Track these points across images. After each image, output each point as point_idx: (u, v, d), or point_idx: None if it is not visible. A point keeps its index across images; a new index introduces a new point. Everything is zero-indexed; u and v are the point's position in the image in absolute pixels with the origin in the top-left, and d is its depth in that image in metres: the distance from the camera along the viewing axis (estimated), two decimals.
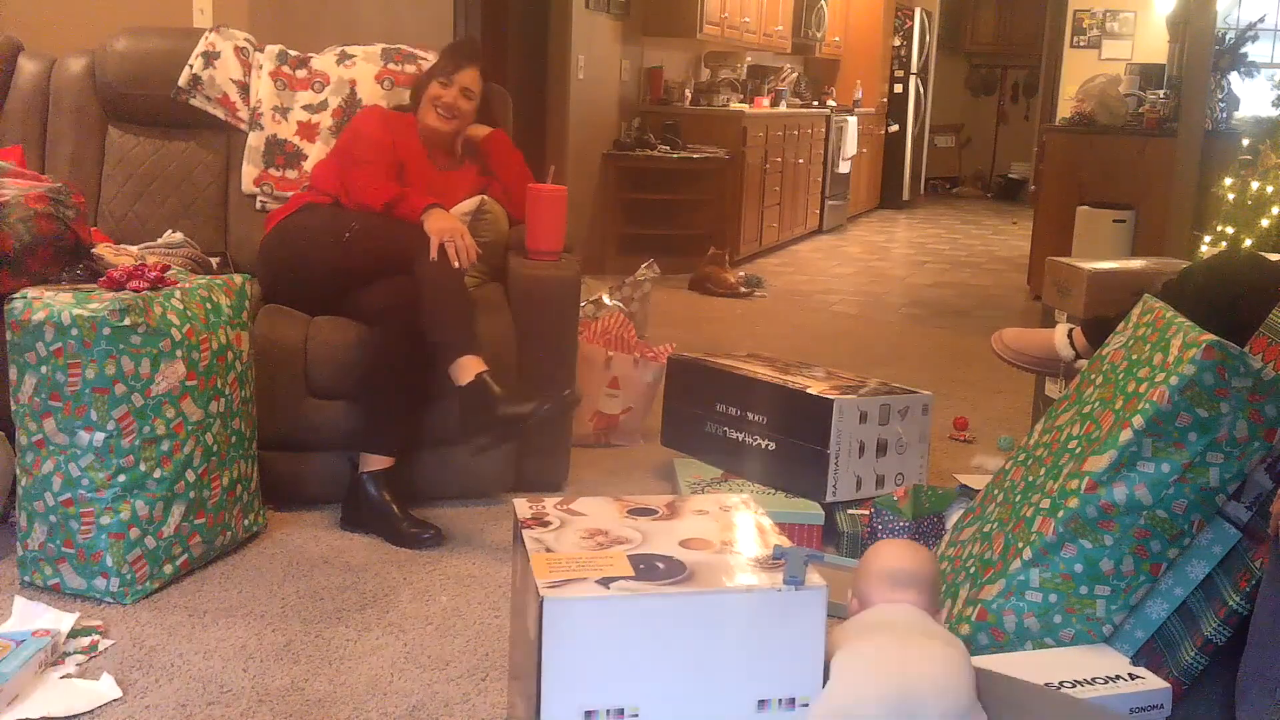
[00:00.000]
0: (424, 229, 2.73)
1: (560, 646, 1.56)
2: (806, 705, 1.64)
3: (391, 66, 3.32)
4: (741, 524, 1.83)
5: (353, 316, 2.78)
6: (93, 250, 2.64)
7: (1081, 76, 7.44)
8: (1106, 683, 1.86)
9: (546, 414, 2.58)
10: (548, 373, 2.89)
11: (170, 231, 3.04)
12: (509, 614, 2.18)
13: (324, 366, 2.74)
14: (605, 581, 1.59)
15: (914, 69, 11.60)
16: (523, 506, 1.85)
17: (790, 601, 1.61)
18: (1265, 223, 4.04)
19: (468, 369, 2.61)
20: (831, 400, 2.71)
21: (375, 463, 2.67)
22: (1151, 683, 1.87)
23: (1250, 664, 1.74)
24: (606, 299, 3.98)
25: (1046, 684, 1.84)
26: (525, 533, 1.75)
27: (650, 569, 1.64)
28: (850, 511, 2.75)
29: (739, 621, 1.60)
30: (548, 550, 1.69)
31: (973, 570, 2.17)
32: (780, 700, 1.63)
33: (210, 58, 3.24)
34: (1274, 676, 1.66)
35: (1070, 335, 2.92)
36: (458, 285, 2.71)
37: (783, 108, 8.46)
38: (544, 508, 1.85)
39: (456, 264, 2.69)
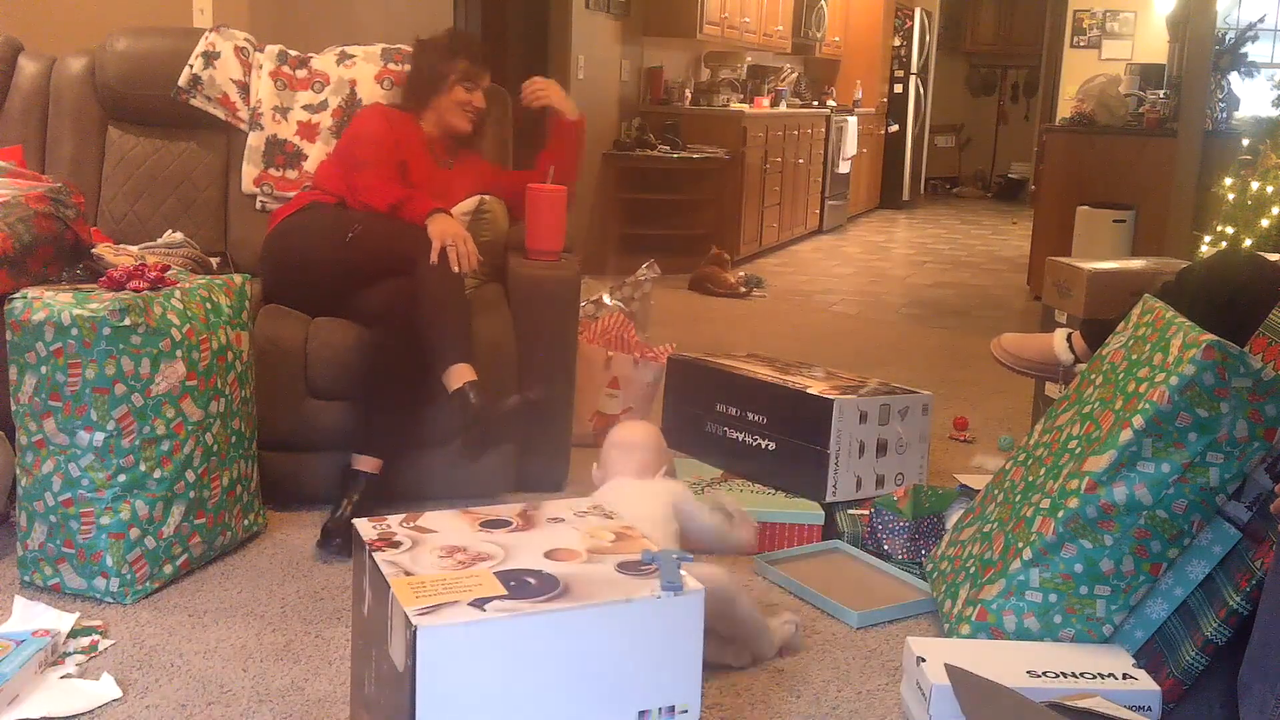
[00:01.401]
0: (427, 232, 2.73)
1: (436, 677, 1.46)
2: (686, 712, 1.60)
3: (391, 66, 3.32)
4: (602, 530, 1.78)
5: (353, 318, 2.78)
6: (93, 250, 2.64)
7: (1081, 76, 7.44)
8: (1095, 679, 1.86)
9: (510, 410, 2.61)
10: (545, 373, 2.89)
11: (170, 231, 3.03)
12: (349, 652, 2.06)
13: (324, 367, 2.74)
14: (479, 603, 1.50)
15: (914, 69, 11.60)
16: (366, 528, 1.74)
17: (670, 608, 1.57)
18: (1265, 223, 4.05)
19: (458, 377, 2.62)
20: (831, 400, 2.71)
21: (365, 464, 2.67)
22: (1143, 684, 1.87)
23: (1253, 661, 1.74)
24: (607, 299, 3.97)
25: (1043, 673, 1.85)
26: (376, 556, 1.64)
27: (522, 585, 1.56)
28: (850, 511, 2.75)
29: (620, 633, 1.55)
30: (407, 574, 1.58)
31: (973, 570, 2.17)
32: (660, 709, 1.59)
33: (210, 58, 3.24)
34: (1275, 669, 1.66)
35: (1069, 339, 2.93)
36: (456, 291, 2.71)
37: (783, 108, 8.46)
38: (390, 527, 1.74)
39: (457, 269, 2.70)
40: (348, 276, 2.81)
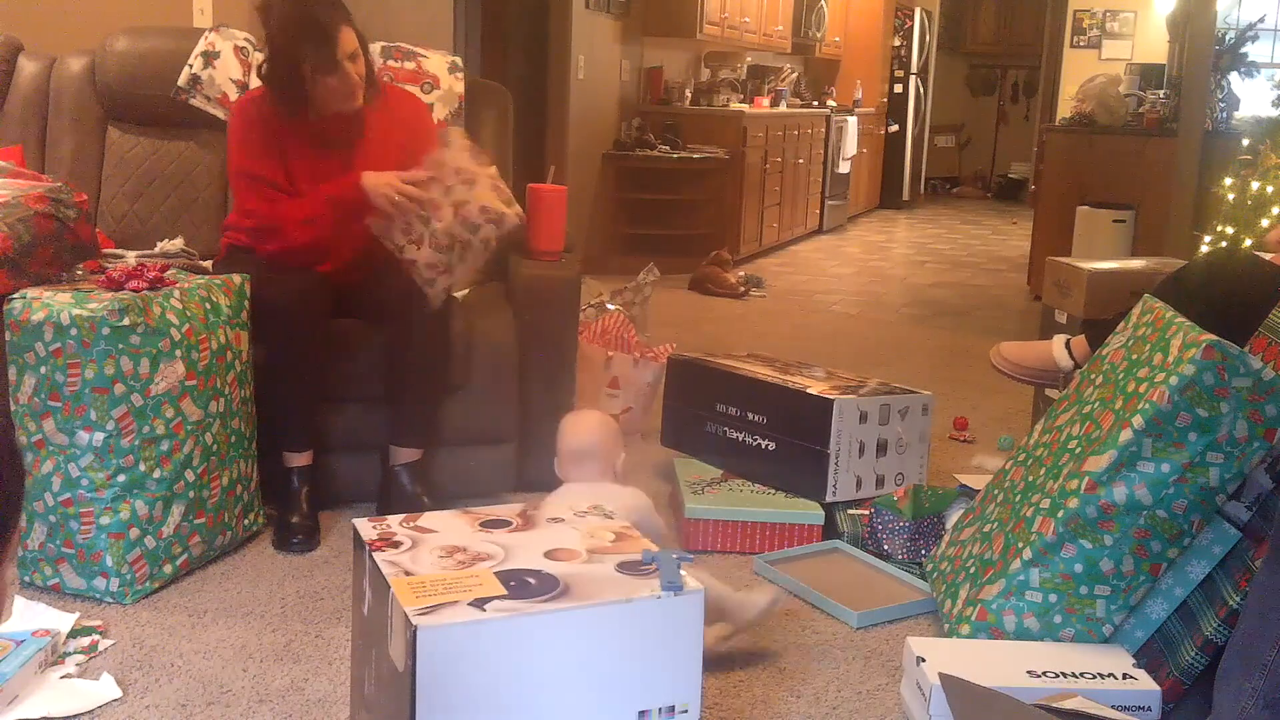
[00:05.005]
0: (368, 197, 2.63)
1: (436, 677, 1.46)
2: (686, 712, 1.60)
3: (391, 64, 3.31)
4: (601, 530, 1.78)
5: (362, 318, 2.76)
6: (107, 258, 2.65)
7: (1081, 76, 7.43)
8: (1095, 679, 1.86)
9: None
10: (545, 372, 2.89)
11: (167, 240, 3.04)
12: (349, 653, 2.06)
13: None
14: (479, 603, 1.49)
15: (914, 69, 11.60)
16: (365, 527, 1.74)
17: (670, 608, 1.57)
18: (1265, 223, 4.04)
19: (404, 455, 2.71)
20: (831, 400, 2.71)
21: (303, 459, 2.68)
22: (1143, 683, 1.87)
23: (1235, 647, 1.74)
24: (609, 304, 3.97)
25: (1043, 673, 1.85)
26: (376, 555, 1.63)
27: (522, 585, 1.56)
28: (850, 511, 2.75)
29: (620, 632, 1.55)
30: (407, 574, 1.58)
31: (973, 570, 2.17)
32: (660, 709, 1.59)
33: (210, 57, 3.24)
34: (1256, 661, 1.66)
35: (1068, 345, 2.93)
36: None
37: (783, 108, 8.46)
38: (390, 527, 1.75)
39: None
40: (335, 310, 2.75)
